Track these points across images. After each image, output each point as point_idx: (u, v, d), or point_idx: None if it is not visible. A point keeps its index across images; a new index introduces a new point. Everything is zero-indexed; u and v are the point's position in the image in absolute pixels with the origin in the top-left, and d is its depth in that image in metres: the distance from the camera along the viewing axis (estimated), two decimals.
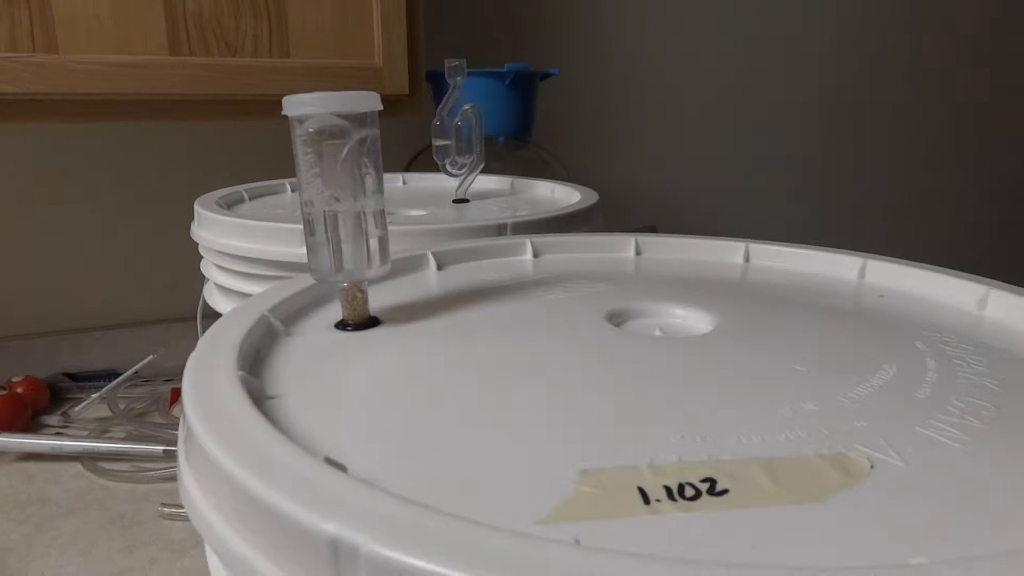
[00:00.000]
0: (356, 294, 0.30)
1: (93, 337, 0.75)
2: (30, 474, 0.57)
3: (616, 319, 0.31)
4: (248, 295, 0.46)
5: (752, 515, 0.18)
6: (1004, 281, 0.33)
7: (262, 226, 0.43)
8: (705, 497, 0.19)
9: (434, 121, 0.57)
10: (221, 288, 0.49)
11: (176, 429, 0.62)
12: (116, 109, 0.59)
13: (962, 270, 0.35)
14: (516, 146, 0.76)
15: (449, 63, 0.55)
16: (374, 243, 0.29)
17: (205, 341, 0.25)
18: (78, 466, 0.58)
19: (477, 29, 0.90)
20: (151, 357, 0.68)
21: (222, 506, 0.18)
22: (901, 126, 1.22)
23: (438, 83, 0.74)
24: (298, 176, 0.28)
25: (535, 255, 0.41)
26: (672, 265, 0.40)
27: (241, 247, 0.44)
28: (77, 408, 0.65)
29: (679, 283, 0.36)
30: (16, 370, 0.69)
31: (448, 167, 0.58)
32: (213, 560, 0.22)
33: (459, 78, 0.55)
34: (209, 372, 0.23)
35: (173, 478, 0.56)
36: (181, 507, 0.52)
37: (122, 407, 0.65)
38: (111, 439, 0.60)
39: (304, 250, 0.42)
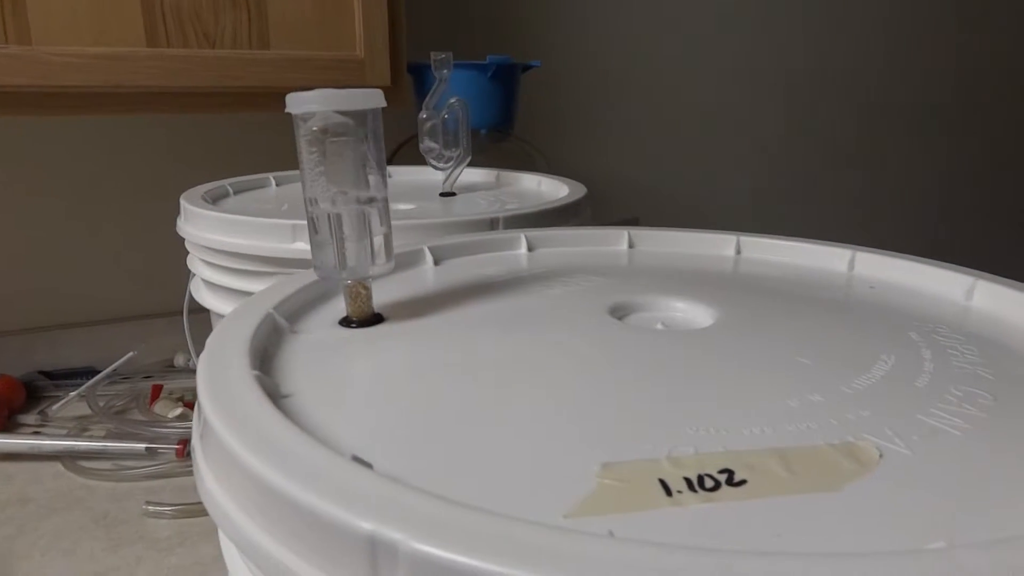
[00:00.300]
0: (360, 291, 0.30)
1: (69, 334, 0.74)
2: (8, 475, 0.56)
3: (618, 313, 0.32)
4: (237, 290, 0.46)
5: (772, 504, 0.18)
6: (963, 264, 0.35)
7: (253, 222, 0.43)
8: (725, 488, 0.19)
9: (420, 114, 0.57)
10: (208, 283, 0.48)
11: (158, 426, 0.62)
12: (93, 102, 0.58)
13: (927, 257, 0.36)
14: (498, 138, 0.76)
15: (435, 56, 0.55)
16: (378, 240, 0.29)
17: (214, 341, 0.25)
18: (58, 465, 0.57)
19: (459, 21, 0.90)
20: (131, 354, 0.67)
21: (251, 509, 0.18)
22: (874, 123, 1.24)
23: (420, 75, 0.73)
24: (302, 174, 0.28)
25: (530, 249, 0.41)
26: (666, 258, 0.41)
27: (231, 243, 0.43)
28: (55, 406, 0.64)
29: (676, 276, 0.37)
30: None
31: (435, 160, 0.58)
32: (236, 563, 0.22)
33: (445, 71, 0.55)
34: (223, 373, 0.23)
35: (156, 476, 0.56)
36: (166, 505, 0.51)
37: (101, 404, 0.64)
38: (91, 437, 0.59)
39: (294, 246, 0.43)
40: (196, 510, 0.51)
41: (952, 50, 1.26)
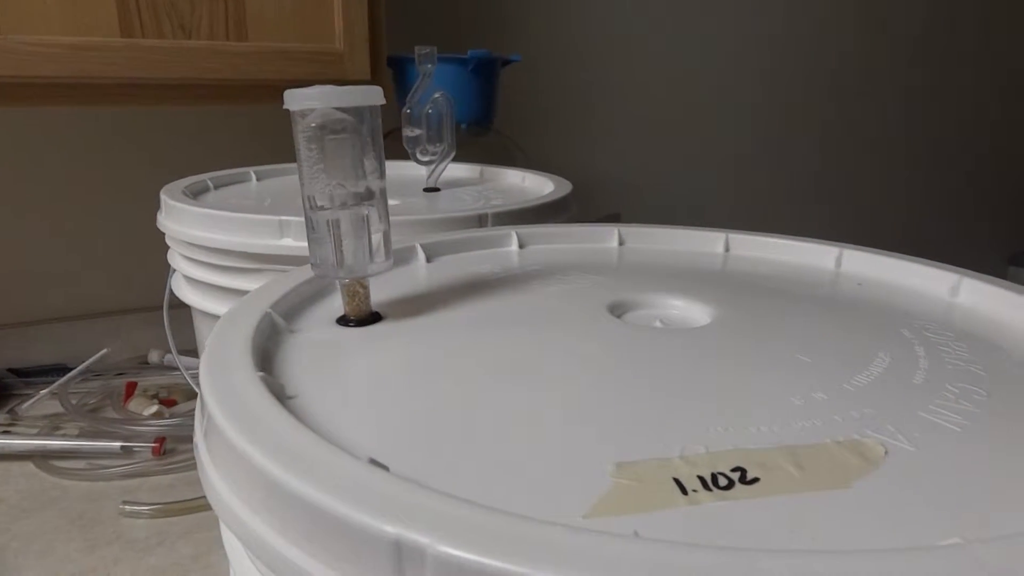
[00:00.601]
0: (358, 289, 0.29)
1: (39, 330, 0.72)
2: None
3: (617, 311, 0.32)
4: (220, 287, 0.45)
5: (785, 502, 0.19)
6: (940, 259, 0.36)
7: (240, 218, 0.42)
8: (739, 486, 0.19)
9: (404, 109, 0.56)
10: (190, 279, 0.47)
11: (133, 424, 0.60)
12: (65, 93, 0.56)
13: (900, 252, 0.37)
14: (478, 132, 0.76)
15: (420, 50, 0.54)
16: (377, 238, 0.29)
17: (214, 341, 0.25)
18: (30, 465, 0.56)
19: (438, 15, 0.89)
20: (105, 351, 0.66)
21: (266, 514, 0.18)
22: (852, 122, 1.27)
23: (400, 68, 0.73)
24: (300, 171, 0.28)
25: (521, 246, 0.41)
26: (656, 255, 0.41)
27: (217, 239, 0.43)
28: (25, 405, 0.62)
29: (668, 273, 0.37)
30: None
31: (419, 155, 0.57)
32: (243, 565, 0.22)
33: (430, 65, 0.54)
34: (227, 375, 0.22)
35: (133, 475, 0.55)
36: (143, 504, 0.50)
37: (74, 402, 0.63)
38: (64, 436, 0.58)
39: (282, 242, 0.42)
40: (174, 509, 0.50)
41: (947, 50, 1.29)
